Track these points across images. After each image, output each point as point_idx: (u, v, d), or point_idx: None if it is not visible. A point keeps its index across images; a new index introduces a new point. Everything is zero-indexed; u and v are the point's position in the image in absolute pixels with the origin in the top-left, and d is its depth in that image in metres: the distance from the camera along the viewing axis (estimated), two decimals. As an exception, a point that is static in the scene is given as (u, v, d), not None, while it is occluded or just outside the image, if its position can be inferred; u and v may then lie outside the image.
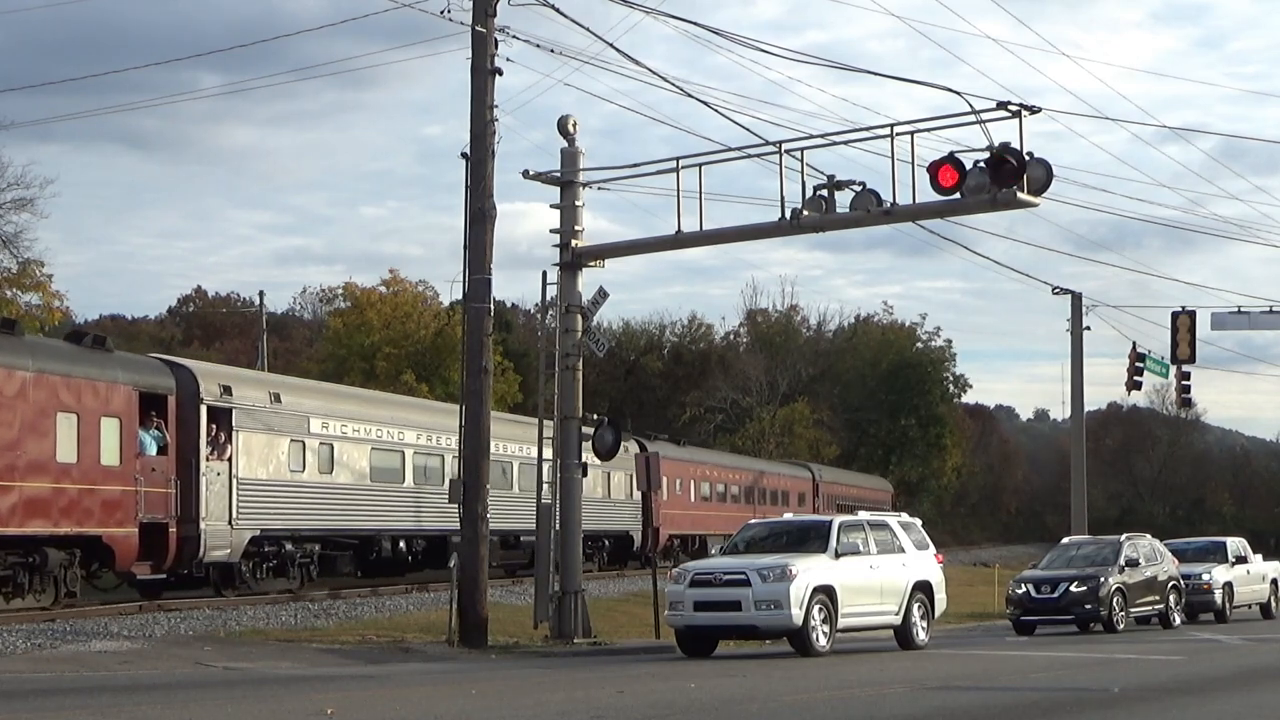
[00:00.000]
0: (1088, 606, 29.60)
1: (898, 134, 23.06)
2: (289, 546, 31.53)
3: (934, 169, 22.35)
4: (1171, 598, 31.83)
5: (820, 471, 69.56)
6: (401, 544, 35.31)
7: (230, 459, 29.61)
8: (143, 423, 27.89)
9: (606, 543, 46.24)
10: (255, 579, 30.83)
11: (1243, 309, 42.10)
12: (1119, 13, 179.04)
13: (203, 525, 28.56)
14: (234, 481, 29.61)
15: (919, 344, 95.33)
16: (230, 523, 29.33)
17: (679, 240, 26.18)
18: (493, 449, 36.84)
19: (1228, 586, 34.59)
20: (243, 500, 29.75)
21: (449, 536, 34.86)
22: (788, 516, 29.57)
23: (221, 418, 29.58)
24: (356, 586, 34.95)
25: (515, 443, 38.95)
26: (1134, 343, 44.36)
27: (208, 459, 28.97)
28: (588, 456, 35.53)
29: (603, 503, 45.21)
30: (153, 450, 28.03)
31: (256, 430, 30.62)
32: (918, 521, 25.73)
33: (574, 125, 26.27)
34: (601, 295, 26.64)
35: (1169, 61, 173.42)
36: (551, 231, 26.70)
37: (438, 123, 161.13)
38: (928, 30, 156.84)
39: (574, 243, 26.47)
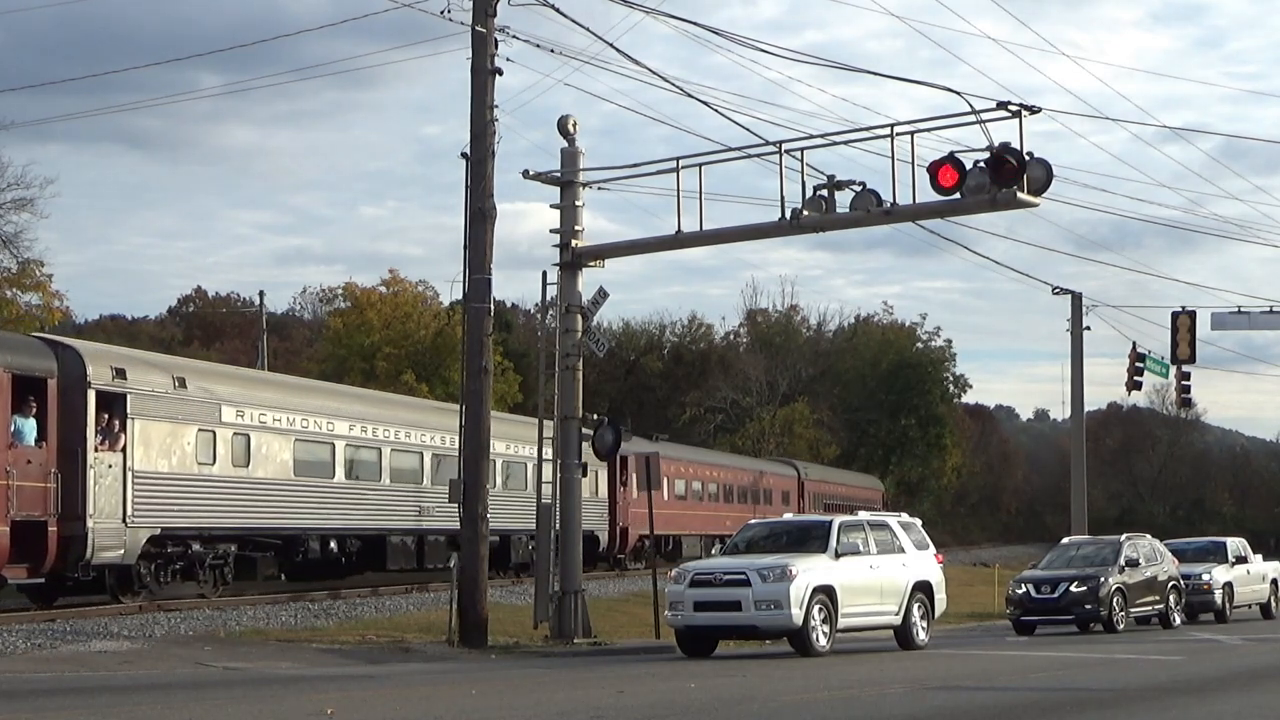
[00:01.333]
0: (1088, 606, 29.60)
1: (898, 134, 23.06)
2: (197, 547, 28.81)
3: (934, 169, 22.35)
4: (1171, 598, 31.84)
5: (806, 469, 67.82)
6: (333, 544, 32.70)
7: (125, 450, 26.76)
8: (20, 409, 25.10)
9: None
10: (159, 583, 28.11)
11: (1243, 309, 42.12)
12: (1117, 12, 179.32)
13: (90, 523, 25.63)
14: (129, 475, 26.74)
15: (919, 344, 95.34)
16: (124, 520, 26.51)
17: (679, 240, 26.18)
18: (441, 441, 35.12)
19: (1228, 586, 34.60)
20: (139, 496, 26.90)
21: (387, 536, 34.30)
22: (787, 517, 29.56)
23: (115, 404, 26.72)
24: (357, 586, 34.69)
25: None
26: (1134, 343, 44.39)
27: (97, 450, 26.10)
28: (528, 448, 35.06)
29: None
30: (30, 440, 25.18)
31: (157, 418, 27.70)
32: (918, 521, 25.73)
33: (574, 125, 26.27)
34: (601, 295, 26.64)
35: (1167, 61, 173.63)
36: (551, 231, 26.71)
37: (437, 122, 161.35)
38: (925, 30, 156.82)
39: (574, 243, 26.46)
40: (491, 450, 36.09)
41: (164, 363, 31.04)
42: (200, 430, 28.98)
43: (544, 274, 27.09)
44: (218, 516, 29.34)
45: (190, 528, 28.62)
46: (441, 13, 24.41)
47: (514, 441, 38.69)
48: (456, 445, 34.72)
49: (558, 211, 26.56)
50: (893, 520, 25.10)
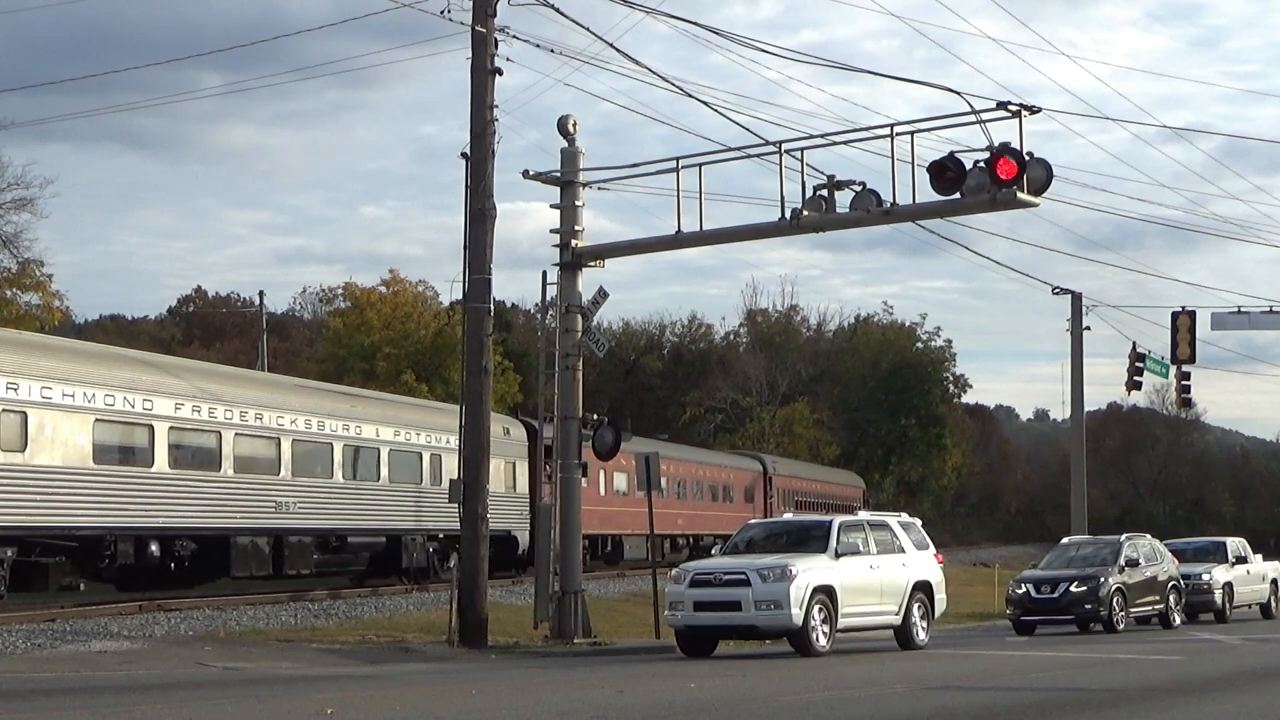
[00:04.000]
0: (1088, 606, 29.59)
1: (898, 134, 23.06)
2: None
3: (934, 169, 22.35)
4: (1171, 598, 31.82)
5: (774, 464, 62.96)
6: (154, 547, 27.62)
7: None
8: None
9: None
10: None
11: (1243, 309, 42.12)
12: (1115, 11, 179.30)
13: None
14: None
15: (919, 344, 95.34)
16: None
17: (679, 240, 26.18)
18: (305, 425, 31.61)
19: (1228, 586, 34.59)
20: None
21: (231, 537, 29.47)
22: (787, 516, 29.54)
23: None
24: (357, 586, 34.51)
25: (338, 419, 33.04)
26: (1134, 343, 44.38)
27: None
28: (448, 439, 32.23)
29: None
30: None
31: None
32: (918, 521, 25.73)
33: (574, 125, 26.27)
34: (601, 295, 26.64)
35: (1165, 61, 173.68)
36: (552, 231, 26.71)
37: (437, 122, 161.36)
38: (922, 29, 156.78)
39: (574, 243, 26.46)
40: (376, 434, 33.98)
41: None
42: None
43: (544, 274, 27.14)
44: None
45: None
46: (441, 13, 24.45)
47: (405, 428, 35.37)
48: (320, 431, 32.10)
49: (558, 211, 26.56)
50: (893, 520, 25.10)
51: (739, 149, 25.62)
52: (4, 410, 24.87)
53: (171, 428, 28.18)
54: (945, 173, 22.24)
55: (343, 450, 33.03)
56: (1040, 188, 22.24)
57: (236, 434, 29.88)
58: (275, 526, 30.76)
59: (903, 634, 23.58)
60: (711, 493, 54.49)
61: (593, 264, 26.81)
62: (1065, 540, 35.09)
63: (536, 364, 29.62)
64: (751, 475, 59.59)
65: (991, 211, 23.74)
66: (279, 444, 31.08)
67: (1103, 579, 29.79)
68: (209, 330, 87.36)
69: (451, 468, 35.10)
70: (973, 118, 22.37)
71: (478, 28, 24.56)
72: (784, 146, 24.63)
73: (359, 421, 33.85)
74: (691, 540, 51.23)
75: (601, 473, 43.97)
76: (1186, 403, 48.88)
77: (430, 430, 36.12)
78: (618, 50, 25.51)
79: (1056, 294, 46.07)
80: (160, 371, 29.32)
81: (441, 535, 35.57)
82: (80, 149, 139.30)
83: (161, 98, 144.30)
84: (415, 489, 35.23)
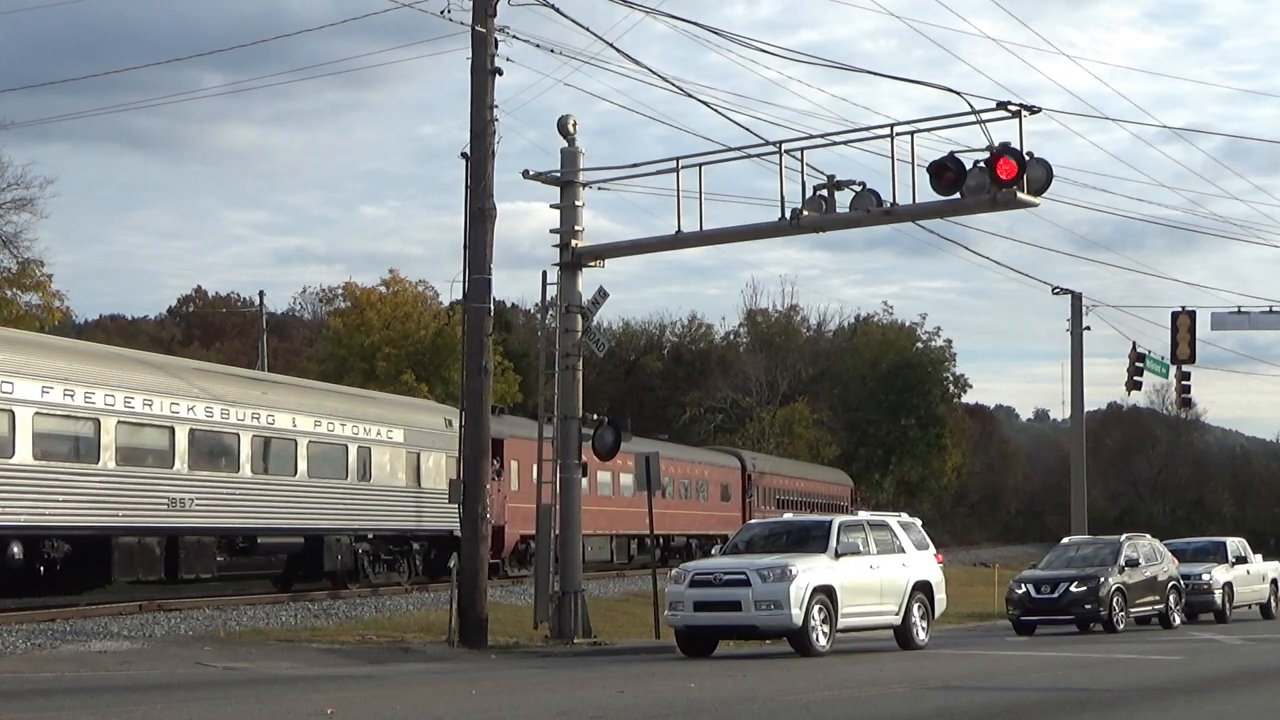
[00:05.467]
0: (1088, 606, 29.60)
1: (897, 134, 23.05)
2: None
3: (934, 169, 22.35)
4: (1171, 598, 31.83)
5: (754, 460, 59.53)
6: (15, 549, 24.70)
7: None
8: None
9: (415, 546, 35.57)
10: None
11: (1243, 309, 42.14)
12: (1113, 11, 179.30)
13: None
14: None
15: (919, 344, 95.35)
16: None
17: (679, 240, 26.17)
18: (207, 414, 28.50)
19: (1228, 586, 34.59)
20: None
21: (114, 537, 26.76)
22: (787, 517, 29.55)
23: None
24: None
25: (246, 407, 30.02)
26: (1134, 343, 44.39)
27: None
28: (391, 432, 31.25)
29: (404, 493, 34.87)
30: None
31: None
32: (918, 521, 25.73)
33: (574, 125, 26.27)
34: (601, 295, 26.64)
35: (1163, 60, 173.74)
36: (552, 231, 26.70)
37: (437, 122, 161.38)
38: (920, 29, 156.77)
39: (574, 243, 26.46)
40: (293, 424, 31.06)
41: None
42: None
43: (544, 274, 27.12)
44: None
45: None
46: (441, 13, 24.46)
47: (329, 418, 32.60)
48: (225, 420, 28.85)
49: (557, 211, 26.56)
50: (893, 520, 25.11)
51: (739, 149, 25.62)
52: None
53: (37, 414, 25.17)
54: (945, 173, 22.24)
55: (251, 441, 29.93)
56: (1040, 188, 22.24)
57: (119, 422, 26.79)
58: (168, 526, 27.84)
59: (903, 634, 23.58)
60: (684, 490, 50.65)
61: (593, 264, 26.81)
62: (1065, 540, 35.09)
63: (536, 364, 29.61)
64: (729, 472, 56.40)
65: (991, 211, 23.74)
66: (173, 434, 28.03)
67: (1103, 579, 29.79)
68: (209, 330, 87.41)
69: (383, 462, 33.84)
70: (973, 118, 22.37)
71: (478, 28, 24.57)
72: (784, 146, 24.62)
73: (271, 410, 30.81)
74: (662, 541, 47.30)
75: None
76: (1186, 403, 48.90)
77: (358, 421, 33.49)
78: (617, 50, 25.55)
79: (1056, 294, 46.11)
80: (26, 350, 26.09)
81: (371, 536, 33.80)
82: (80, 149, 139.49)
83: (161, 98, 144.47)
84: (340, 485, 32.55)
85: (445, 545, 33.98)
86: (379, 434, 32.09)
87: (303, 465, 31.51)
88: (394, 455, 34.54)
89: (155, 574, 28.00)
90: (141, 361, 30.27)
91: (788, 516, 29.88)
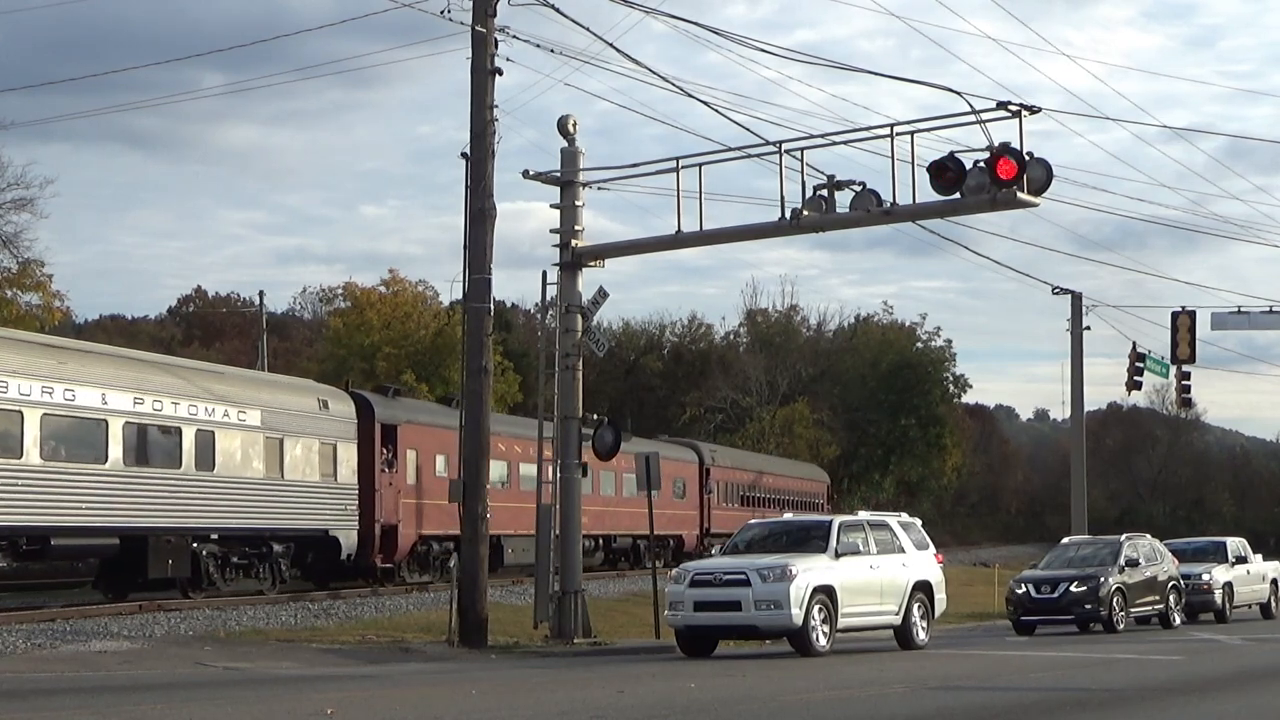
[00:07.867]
0: (1088, 606, 29.60)
1: (897, 134, 23.06)
2: None
3: (934, 169, 22.36)
4: (1171, 598, 31.83)
5: (713, 453, 55.32)
6: None
7: None
8: None
9: (278, 548, 30.90)
10: None
11: (1243, 309, 42.16)
12: (1111, 10, 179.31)
13: None
14: None
15: (919, 344, 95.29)
16: None
17: (679, 240, 26.18)
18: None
19: (1228, 586, 34.59)
20: None
21: None
22: (788, 516, 29.55)
23: None
24: (357, 586, 34.43)
25: (35, 379, 25.07)
26: (1134, 343, 44.41)
27: None
28: (243, 413, 28.55)
29: (260, 485, 30.08)
30: None
31: None
32: (918, 521, 25.74)
33: (574, 125, 26.27)
34: (601, 295, 26.65)
35: (1161, 60, 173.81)
36: (552, 231, 26.70)
37: (436, 122, 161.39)
38: (918, 28, 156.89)
39: (574, 243, 26.46)
40: (102, 401, 26.01)
41: None
42: None
43: (544, 274, 27.12)
44: None
45: None
46: (441, 13, 24.47)
47: (156, 395, 27.76)
48: (3, 395, 24.10)
49: (557, 211, 26.56)
50: (893, 520, 25.12)
51: (738, 149, 25.63)
52: None
53: None
54: (945, 173, 22.25)
55: (41, 421, 24.92)
56: (1040, 188, 22.25)
57: None
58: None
59: (903, 634, 23.58)
60: (628, 485, 43.05)
61: (593, 264, 26.81)
62: (1065, 540, 35.10)
63: (536, 364, 29.60)
64: (685, 466, 50.99)
65: (991, 211, 23.75)
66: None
67: (1103, 579, 29.79)
68: (209, 330, 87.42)
69: (231, 448, 29.08)
70: (972, 118, 22.38)
71: (478, 28, 24.57)
72: (784, 146, 24.63)
73: (71, 383, 25.72)
74: (601, 542, 44.41)
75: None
76: (1186, 403, 48.92)
77: (197, 399, 28.55)
78: (617, 50, 25.54)
79: (1056, 294, 46.12)
80: None
81: (216, 536, 29.17)
82: (80, 149, 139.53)
83: (161, 98, 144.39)
84: (171, 475, 27.70)
85: (320, 547, 31.42)
86: (226, 415, 27.86)
87: (115, 451, 26.37)
88: (247, 440, 29.63)
89: None
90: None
91: (788, 516, 29.87)
